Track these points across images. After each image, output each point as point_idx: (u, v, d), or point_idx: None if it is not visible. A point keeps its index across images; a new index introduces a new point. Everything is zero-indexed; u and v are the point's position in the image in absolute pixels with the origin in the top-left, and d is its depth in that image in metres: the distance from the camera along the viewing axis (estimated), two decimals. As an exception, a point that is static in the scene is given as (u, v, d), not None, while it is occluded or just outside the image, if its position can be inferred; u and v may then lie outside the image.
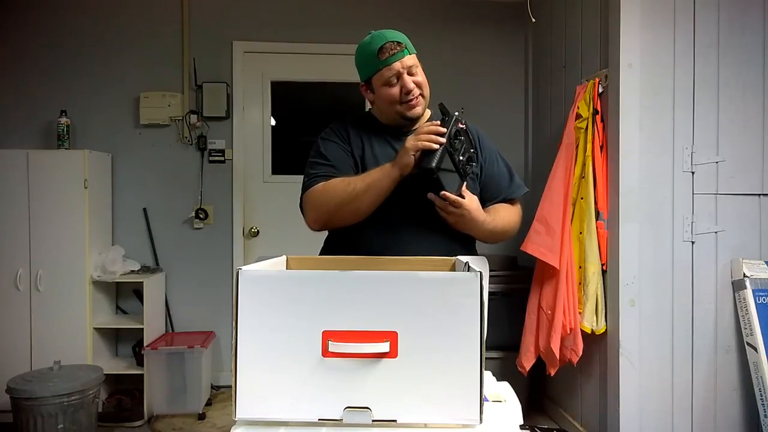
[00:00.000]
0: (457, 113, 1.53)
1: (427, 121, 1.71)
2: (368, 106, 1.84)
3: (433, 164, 1.46)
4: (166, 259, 3.72)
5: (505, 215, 1.70)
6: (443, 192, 1.50)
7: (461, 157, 1.53)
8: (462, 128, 1.54)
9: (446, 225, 1.59)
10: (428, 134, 1.49)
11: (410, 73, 1.61)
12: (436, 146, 1.47)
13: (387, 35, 1.61)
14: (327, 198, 1.57)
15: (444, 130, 1.50)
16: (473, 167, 1.58)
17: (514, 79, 3.90)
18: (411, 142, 1.51)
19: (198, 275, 3.74)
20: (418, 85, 1.63)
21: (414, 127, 1.66)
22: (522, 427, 1.08)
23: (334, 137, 1.70)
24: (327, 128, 1.75)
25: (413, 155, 1.50)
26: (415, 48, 1.66)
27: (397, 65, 1.59)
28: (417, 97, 1.63)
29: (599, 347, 2.71)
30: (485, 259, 1.47)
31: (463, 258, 1.31)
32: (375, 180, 1.54)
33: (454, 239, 1.63)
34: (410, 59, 1.61)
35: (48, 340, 3.19)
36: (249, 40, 3.76)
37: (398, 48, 1.59)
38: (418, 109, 1.65)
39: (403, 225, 1.60)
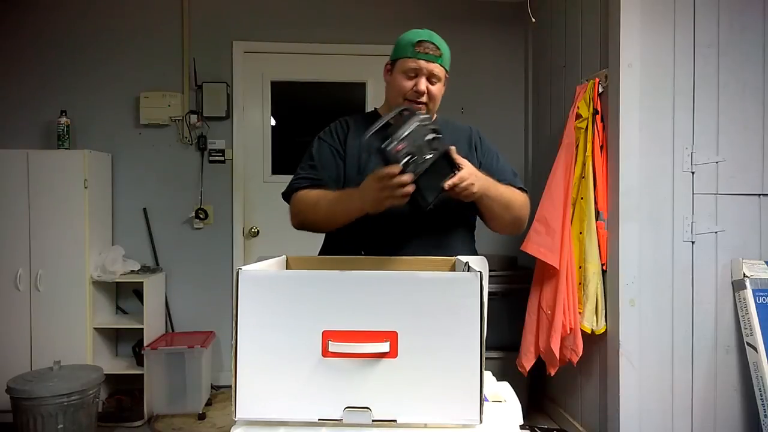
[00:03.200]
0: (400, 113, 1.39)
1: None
2: (368, 106, 1.85)
3: (430, 202, 1.38)
4: (166, 259, 3.72)
5: (505, 188, 1.62)
6: (446, 183, 1.38)
7: (425, 154, 1.35)
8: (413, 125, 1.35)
9: (444, 223, 1.59)
10: (391, 188, 1.33)
11: (430, 80, 1.61)
12: (405, 197, 1.34)
13: (434, 38, 1.62)
14: (301, 209, 1.63)
15: (398, 169, 1.30)
16: (437, 139, 1.41)
17: (514, 79, 3.90)
18: (376, 204, 1.38)
19: (198, 275, 3.74)
20: (430, 94, 1.62)
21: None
22: (522, 427, 1.08)
23: (330, 138, 1.71)
24: (331, 124, 1.76)
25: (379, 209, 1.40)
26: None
27: (423, 63, 1.59)
28: (422, 104, 1.62)
29: (599, 347, 2.71)
30: (485, 259, 1.47)
31: (463, 258, 1.31)
32: (338, 213, 1.52)
33: (451, 235, 1.63)
34: (438, 69, 1.61)
35: (48, 340, 3.19)
36: (249, 40, 3.76)
37: (436, 52, 1.60)
38: None
39: (402, 223, 1.60)
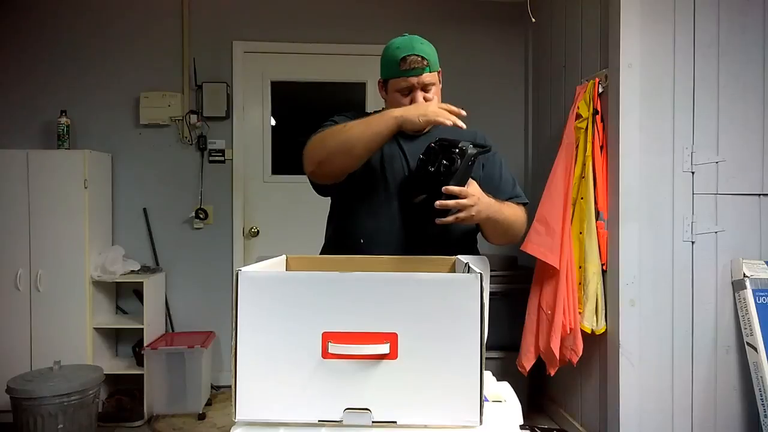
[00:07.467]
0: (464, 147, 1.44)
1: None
2: (368, 106, 1.85)
3: (418, 198, 1.46)
4: (166, 259, 3.72)
5: (509, 209, 1.64)
6: (445, 187, 1.38)
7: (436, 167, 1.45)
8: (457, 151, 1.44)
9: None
10: (450, 115, 1.45)
11: (425, 90, 1.61)
12: (449, 122, 1.44)
13: (416, 46, 1.60)
14: (327, 137, 1.55)
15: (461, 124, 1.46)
16: (456, 164, 1.44)
17: (514, 78, 3.90)
18: (431, 114, 1.46)
19: (198, 275, 3.74)
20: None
21: (423, 133, 1.66)
22: (522, 427, 1.08)
23: (342, 116, 1.70)
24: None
25: (422, 121, 1.46)
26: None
27: (413, 80, 1.59)
28: None
29: (599, 347, 2.71)
30: (486, 259, 1.47)
31: (464, 258, 1.31)
32: (373, 124, 1.50)
33: (452, 234, 1.63)
34: (429, 77, 1.61)
35: (48, 340, 3.19)
36: (249, 40, 3.76)
37: (422, 63, 1.59)
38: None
39: (402, 218, 1.61)
